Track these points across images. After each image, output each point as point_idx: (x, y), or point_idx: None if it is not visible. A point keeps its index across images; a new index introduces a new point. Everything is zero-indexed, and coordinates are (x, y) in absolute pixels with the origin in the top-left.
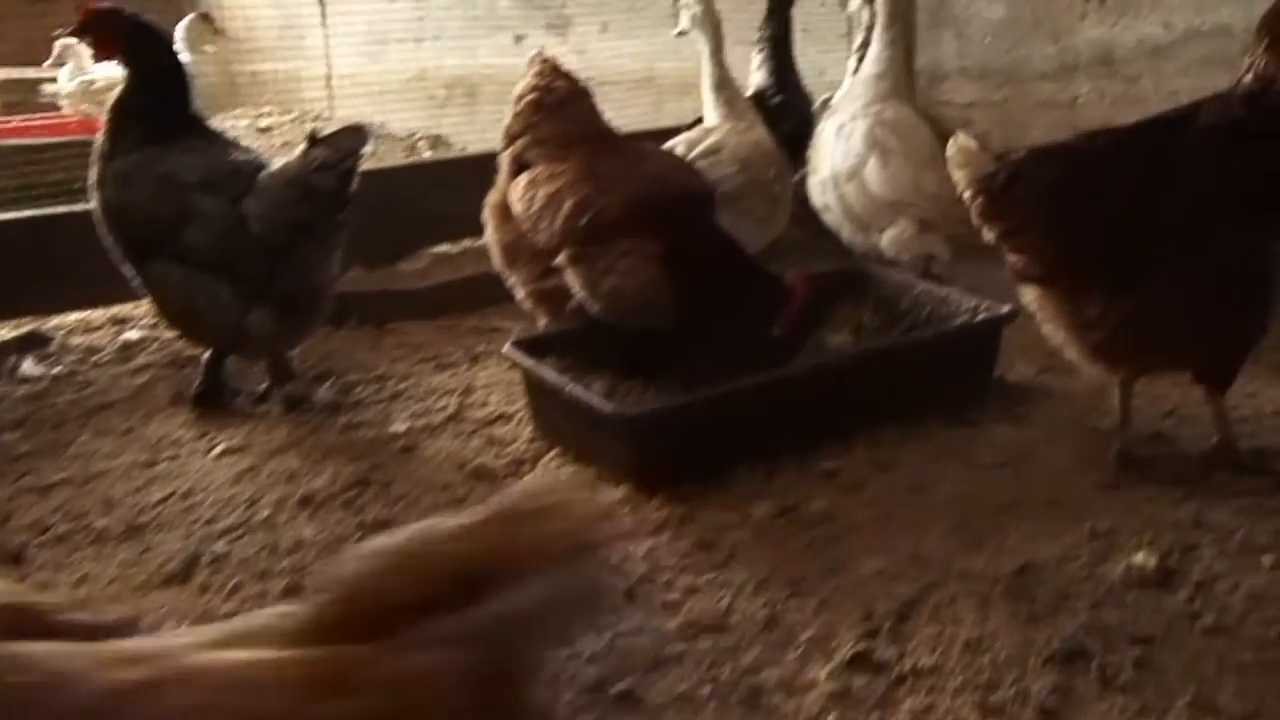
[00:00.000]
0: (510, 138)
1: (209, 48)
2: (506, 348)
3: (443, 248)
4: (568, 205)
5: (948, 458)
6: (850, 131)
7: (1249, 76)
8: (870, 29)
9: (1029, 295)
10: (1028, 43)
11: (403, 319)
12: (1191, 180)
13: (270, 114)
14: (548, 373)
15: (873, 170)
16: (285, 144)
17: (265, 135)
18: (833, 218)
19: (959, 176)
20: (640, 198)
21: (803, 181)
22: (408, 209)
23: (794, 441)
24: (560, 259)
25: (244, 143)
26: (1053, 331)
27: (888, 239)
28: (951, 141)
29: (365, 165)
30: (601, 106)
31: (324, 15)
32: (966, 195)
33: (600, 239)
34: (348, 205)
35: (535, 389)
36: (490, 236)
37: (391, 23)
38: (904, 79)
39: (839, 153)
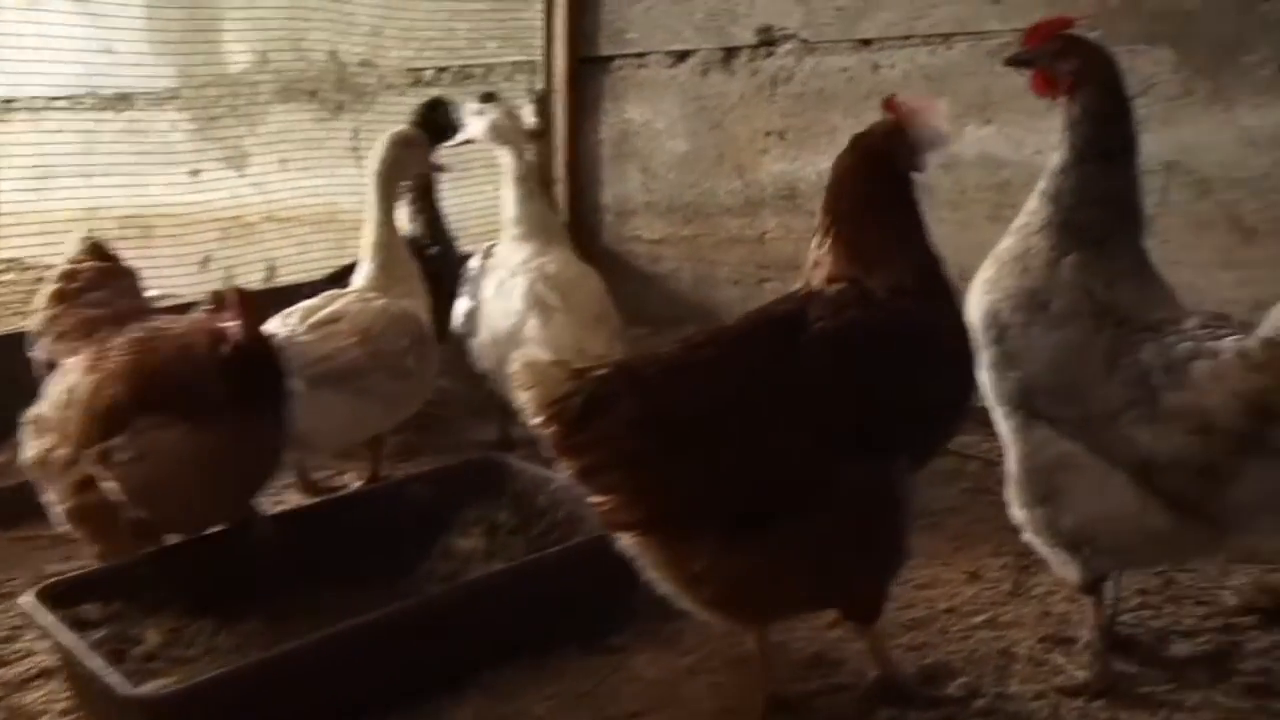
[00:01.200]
0: (36, 338)
1: None
2: (24, 597)
3: None
4: (81, 396)
5: (575, 706)
6: (510, 289)
7: (821, 273)
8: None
9: (624, 540)
10: (713, 177)
11: None
12: (807, 400)
13: None
14: (64, 634)
15: (533, 331)
16: None
17: None
18: (496, 385)
19: (525, 399)
20: (153, 371)
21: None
22: (6, 384)
23: (388, 697)
24: (88, 462)
25: None
26: (658, 581)
27: None
28: (516, 356)
29: None
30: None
31: None
32: (536, 423)
33: (118, 426)
34: None
35: (59, 652)
36: (28, 453)
37: (57, 156)
38: (555, 227)
39: (498, 312)
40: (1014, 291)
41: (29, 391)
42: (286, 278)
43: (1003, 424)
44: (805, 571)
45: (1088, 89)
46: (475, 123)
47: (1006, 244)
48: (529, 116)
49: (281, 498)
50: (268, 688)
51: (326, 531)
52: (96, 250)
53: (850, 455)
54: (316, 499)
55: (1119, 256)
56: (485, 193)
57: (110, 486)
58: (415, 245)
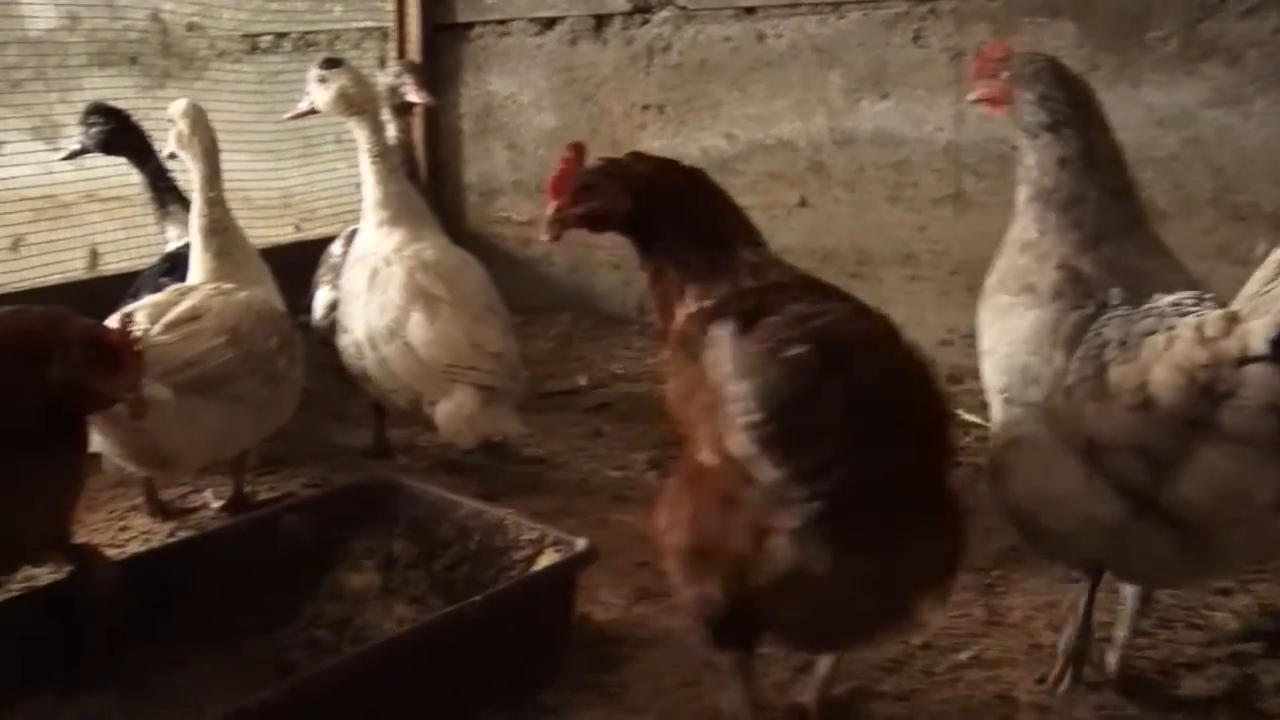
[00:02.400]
0: None
1: None
2: None
3: None
4: None
5: None
6: (386, 280)
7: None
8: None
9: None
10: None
11: None
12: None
13: None
14: None
15: (417, 327)
16: None
17: None
18: (374, 387)
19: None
20: None
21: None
22: None
23: None
24: None
25: None
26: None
27: (442, 416)
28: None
29: None
30: None
31: None
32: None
33: None
34: None
35: None
36: None
37: None
38: (424, 210)
39: (374, 306)
40: (1005, 275)
41: None
42: (112, 265)
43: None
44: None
45: (1020, 85)
46: (318, 92)
47: (1011, 228)
48: (411, 89)
49: (126, 522)
50: None
51: (188, 576)
52: None
53: None
54: (171, 528)
55: (1102, 218)
56: (337, 170)
57: None
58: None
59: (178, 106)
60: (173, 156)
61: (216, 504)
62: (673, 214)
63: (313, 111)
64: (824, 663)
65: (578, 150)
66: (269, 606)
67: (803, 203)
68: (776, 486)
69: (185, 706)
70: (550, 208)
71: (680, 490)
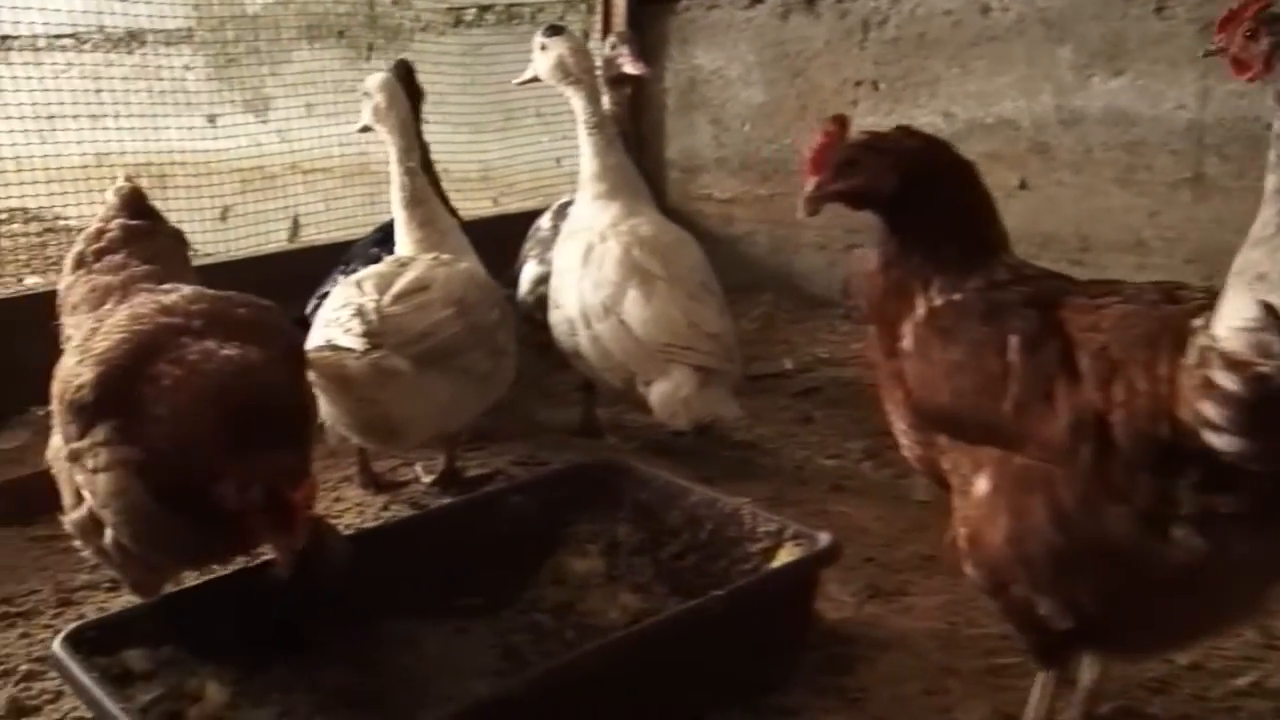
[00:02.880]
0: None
1: None
2: (56, 643)
3: None
4: (56, 383)
5: None
6: (601, 256)
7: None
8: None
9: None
10: (794, 131)
11: None
12: None
13: None
14: (98, 689)
15: (634, 304)
16: None
17: None
18: (586, 365)
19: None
20: (120, 366)
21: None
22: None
23: None
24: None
25: None
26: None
27: (658, 397)
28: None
29: None
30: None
31: None
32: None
33: (84, 426)
34: None
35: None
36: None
37: (63, 97)
38: (640, 184)
39: (588, 282)
40: (1242, 267)
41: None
42: (312, 236)
43: None
44: None
45: None
46: (539, 59)
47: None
48: (628, 61)
49: (340, 493)
50: None
51: (413, 553)
52: (131, 202)
53: None
54: (384, 501)
55: None
56: (539, 144)
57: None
58: None
59: (374, 80)
60: (366, 129)
61: (427, 478)
62: (938, 198)
63: (534, 80)
64: (1086, 678)
65: (840, 123)
66: (491, 588)
67: (1023, 185)
68: (1243, 458)
69: (415, 687)
70: (809, 183)
71: (1012, 497)
